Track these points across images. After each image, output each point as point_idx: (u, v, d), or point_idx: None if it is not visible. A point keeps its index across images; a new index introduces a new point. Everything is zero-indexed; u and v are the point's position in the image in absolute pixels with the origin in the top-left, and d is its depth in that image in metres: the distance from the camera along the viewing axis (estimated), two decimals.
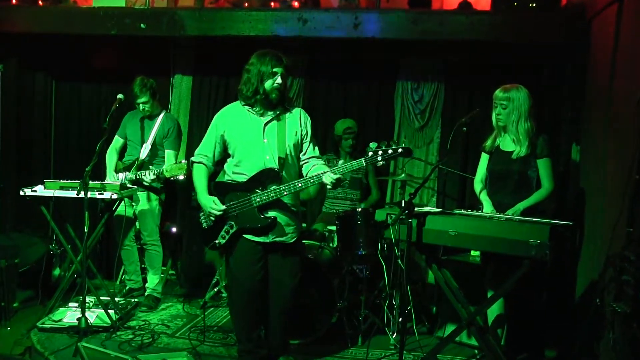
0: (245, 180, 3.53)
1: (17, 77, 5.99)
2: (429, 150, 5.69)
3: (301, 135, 3.61)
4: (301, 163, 3.67)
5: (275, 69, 3.47)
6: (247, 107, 3.57)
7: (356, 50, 5.64)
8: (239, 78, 5.80)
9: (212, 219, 3.57)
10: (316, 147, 3.69)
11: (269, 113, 3.56)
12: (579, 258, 4.28)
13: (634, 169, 3.23)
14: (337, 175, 3.35)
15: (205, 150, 3.67)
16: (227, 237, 3.55)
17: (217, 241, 3.58)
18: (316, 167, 3.59)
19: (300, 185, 3.43)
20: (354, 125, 5.28)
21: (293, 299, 3.67)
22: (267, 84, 3.48)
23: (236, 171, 3.58)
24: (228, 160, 3.66)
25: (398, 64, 5.69)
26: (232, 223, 3.53)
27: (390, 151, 3.32)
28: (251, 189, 3.49)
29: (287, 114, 3.60)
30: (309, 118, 3.68)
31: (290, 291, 3.64)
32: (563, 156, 4.95)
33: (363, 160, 3.35)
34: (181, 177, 4.72)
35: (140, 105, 5.00)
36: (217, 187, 3.61)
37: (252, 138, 3.53)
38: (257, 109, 3.55)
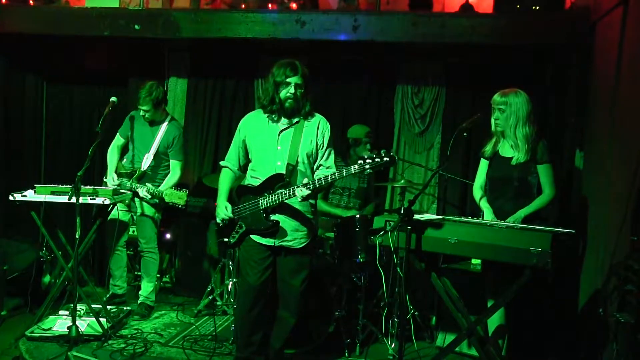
0: (258, 184, 3.71)
1: (6, 79, 6.01)
2: (429, 155, 5.71)
3: (316, 144, 3.74)
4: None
5: (288, 79, 3.61)
6: (266, 114, 3.73)
7: (355, 53, 5.67)
8: (235, 81, 5.93)
9: (220, 221, 3.79)
10: (331, 157, 3.79)
11: (286, 120, 3.71)
12: (581, 266, 4.29)
13: (638, 176, 3.25)
14: (305, 193, 3.47)
15: (232, 155, 3.89)
16: (236, 236, 3.77)
17: (227, 239, 3.82)
18: (315, 177, 3.70)
19: (294, 189, 3.54)
20: (371, 130, 5.29)
21: (300, 301, 3.76)
22: (282, 94, 3.64)
23: (253, 175, 3.78)
24: (249, 164, 3.85)
25: (398, 67, 5.72)
26: (242, 224, 3.75)
27: (377, 160, 3.39)
28: (261, 192, 3.67)
29: (306, 122, 3.73)
30: (328, 127, 3.79)
31: (299, 293, 3.75)
32: (566, 162, 4.97)
33: (352, 169, 3.44)
34: (178, 207, 4.82)
35: (141, 111, 5.01)
36: (238, 190, 3.82)
37: (267, 144, 3.71)
38: (275, 116, 3.71)
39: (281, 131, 3.70)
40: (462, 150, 5.49)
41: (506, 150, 4.00)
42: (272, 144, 3.70)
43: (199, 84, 6.09)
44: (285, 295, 3.78)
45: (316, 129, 3.74)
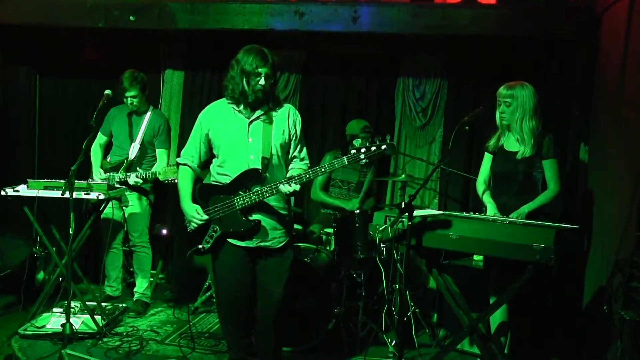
0: (228, 181, 3.51)
1: None
2: (430, 149, 5.70)
3: (289, 134, 3.57)
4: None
5: (259, 69, 3.40)
6: (232, 105, 3.54)
7: (355, 45, 5.64)
8: None
9: (194, 226, 3.55)
10: (304, 149, 3.66)
11: (255, 112, 3.52)
12: (586, 263, 4.29)
13: None
14: (293, 188, 3.34)
15: (191, 151, 3.64)
16: (211, 241, 3.52)
17: (201, 246, 3.54)
18: (292, 171, 3.56)
19: (282, 186, 3.37)
20: (369, 125, 5.26)
21: (280, 306, 3.59)
22: (252, 85, 3.43)
23: (220, 172, 3.56)
24: (213, 160, 3.64)
25: (399, 60, 5.70)
26: (216, 227, 3.51)
27: (373, 148, 3.27)
28: (234, 191, 3.47)
29: (275, 112, 3.55)
30: (299, 117, 3.63)
31: (277, 298, 3.57)
32: (570, 157, 4.96)
33: (345, 159, 3.31)
34: (176, 180, 4.71)
35: (129, 99, 5.00)
36: (201, 189, 3.59)
37: (236, 137, 3.50)
38: (242, 107, 3.51)
39: (251, 122, 3.50)
40: (465, 144, 5.48)
41: (511, 144, 3.98)
42: (242, 136, 3.48)
43: (195, 76, 6.06)
44: (265, 297, 3.58)
45: (287, 118, 3.56)
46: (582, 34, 4.73)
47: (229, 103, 3.56)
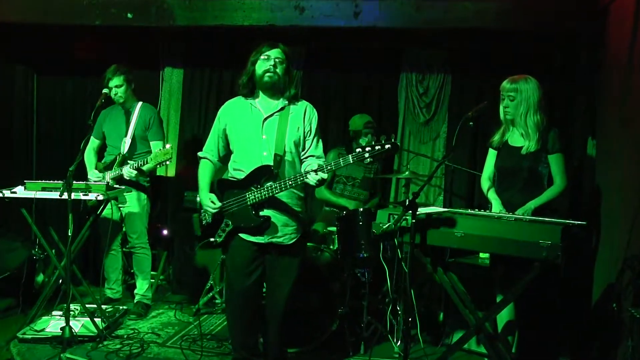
0: (243, 177, 3.57)
1: None
2: (435, 146, 5.69)
3: (304, 131, 3.63)
4: (302, 160, 3.69)
5: (267, 53, 3.51)
6: (249, 100, 3.62)
7: (357, 40, 5.63)
8: (232, 70, 5.89)
9: (209, 216, 3.66)
10: (319, 146, 3.70)
11: (271, 107, 3.59)
12: (594, 260, 4.26)
13: None
14: (320, 176, 3.36)
15: (211, 145, 3.75)
16: (223, 235, 3.62)
17: (213, 239, 3.66)
18: (309, 167, 3.55)
19: (290, 183, 3.43)
20: (372, 119, 5.25)
21: (287, 303, 3.64)
22: (259, 68, 3.53)
23: (235, 167, 3.63)
24: (231, 156, 3.72)
25: (401, 55, 5.69)
26: (229, 221, 3.60)
27: (377, 147, 3.30)
28: (247, 186, 3.54)
29: (291, 108, 3.61)
30: (315, 114, 3.69)
31: (284, 295, 3.62)
32: (577, 151, 4.93)
33: (350, 158, 3.34)
34: (167, 163, 4.70)
35: (113, 89, 4.98)
36: (219, 185, 3.68)
37: (250, 133, 3.57)
38: (256, 100, 3.59)
39: (265, 119, 3.57)
40: (469, 140, 5.46)
41: (516, 139, 3.95)
42: (257, 133, 3.56)
43: (195, 74, 6.07)
44: (273, 294, 3.65)
45: (303, 115, 3.62)
46: (586, 26, 4.69)
47: (246, 99, 3.65)
